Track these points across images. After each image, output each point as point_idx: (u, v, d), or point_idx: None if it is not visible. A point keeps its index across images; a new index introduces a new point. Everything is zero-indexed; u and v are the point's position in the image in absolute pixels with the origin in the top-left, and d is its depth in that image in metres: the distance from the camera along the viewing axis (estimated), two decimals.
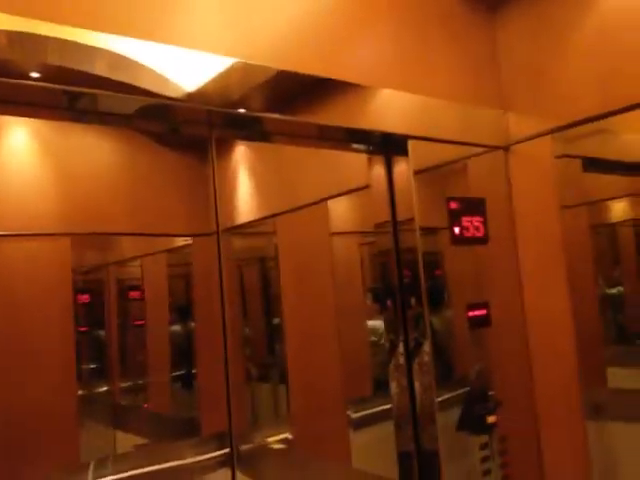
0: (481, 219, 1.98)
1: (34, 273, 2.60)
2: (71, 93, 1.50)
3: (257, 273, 3.18)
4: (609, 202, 2.22)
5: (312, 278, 2.64)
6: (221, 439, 2.61)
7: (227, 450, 2.40)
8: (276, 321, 2.87)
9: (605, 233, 2.25)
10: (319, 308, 2.60)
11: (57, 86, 1.42)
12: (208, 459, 2.51)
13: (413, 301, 2.01)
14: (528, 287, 2.12)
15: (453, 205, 1.93)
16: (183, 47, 1.56)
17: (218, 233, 2.35)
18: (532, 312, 2.11)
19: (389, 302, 2.14)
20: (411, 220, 2.00)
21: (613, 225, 2.25)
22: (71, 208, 2.63)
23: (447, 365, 2.17)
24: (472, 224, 1.96)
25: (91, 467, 2.40)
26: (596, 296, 2.13)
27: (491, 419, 1.93)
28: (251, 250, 3.09)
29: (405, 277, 2.05)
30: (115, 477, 2.42)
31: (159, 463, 2.49)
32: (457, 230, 1.95)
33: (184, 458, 2.56)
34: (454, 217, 1.94)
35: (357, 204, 2.54)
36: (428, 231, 2.04)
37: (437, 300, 2.08)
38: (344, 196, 2.47)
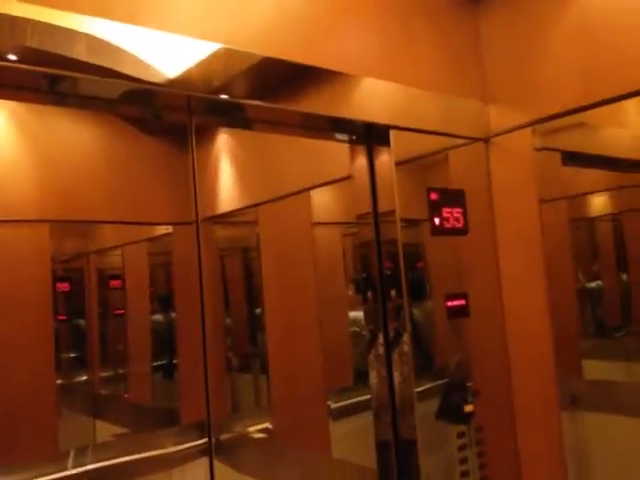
0: (461, 210, 2.00)
1: (12, 261, 2.57)
2: (50, 76, 1.48)
3: (239, 263, 3.18)
4: (588, 196, 2.25)
5: (294, 269, 2.64)
6: (201, 429, 2.62)
7: (206, 440, 2.41)
8: (258, 311, 2.87)
9: (584, 227, 2.28)
10: (301, 299, 2.61)
11: (37, 68, 1.40)
12: (188, 448, 2.51)
13: (393, 292, 2.02)
14: (506, 279, 2.14)
15: (433, 196, 1.95)
16: (165, 31, 1.54)
17: (197, 222, 2.34)
18: (510, 304, 2.13)
19: (370, 293, 2.15)
20: (392, 212, 2.00)
21: (592, 219, 2.28)
22: (49, 194, 2.60)
23: (427, 356, 2.19)
24: (452, 215, 1.97)
25: (71, 456, 2.39)
26: (574, 290, 2.16)
27: (468, 408, 1.95)
28: (233, 240, 3.08)
29: (386, 268, 2.06)
30: (95, 466, 2.42)
31: (139, 452, 2.49)
32: (437, 221, 1.96)
33: (164, 447, 2.56)
34: (434, 208, 1.95)
35: (339, 195, 2.54)
36: (409, 223, 2.05)
37: (417, 291, 2.09)
38: (326, 187, 2.47)
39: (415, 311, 2.06)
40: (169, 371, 2.89)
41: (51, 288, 2.64)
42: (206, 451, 2.38)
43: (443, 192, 1.97)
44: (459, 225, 1.98)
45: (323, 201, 2.59)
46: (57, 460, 2.39)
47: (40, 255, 2.61)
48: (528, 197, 2.09)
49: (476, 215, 2.09)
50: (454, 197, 2.00)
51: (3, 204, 2.50)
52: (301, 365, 2.52)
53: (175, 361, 2.87)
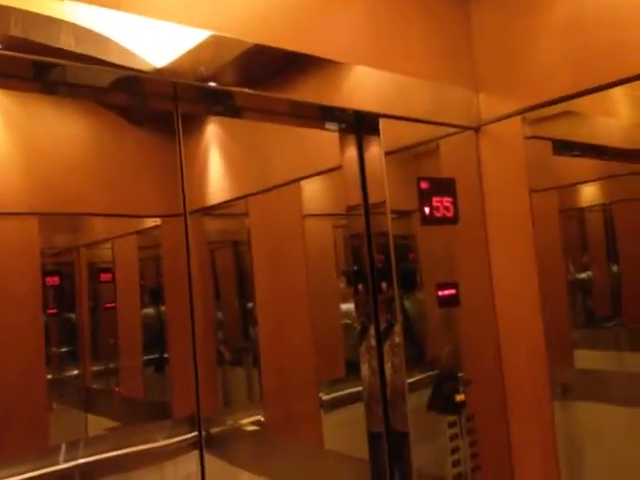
0: (451, 199, 1.99)
1: (0, 254, 2.55)
2: (36, 63, 1.46)
3: (229, 256, 3.16)
4: (578, 187, 2.25)
5: (285, 261, 2.63)
6: (192, 422, 2.61)
7: (197, 433, 2.40)
8: (249, 305, 2.86)
9: (574, 217, 2.28)
10: (292, 291, 2.60)
11: (23, 55, 1.38)
12: (179, 442, 2.50)
13: (384, 284, 2.02)
14: (497, 268, 2.14)
15: (423, 185, 1.94)
16: (152, 18, 1.53)
17: (185, 213, 2.32)
18: (501, 293, 2.13)
19: (360, 285, 2.15)
20: (383, 203, 2.00)
21: (582, 210, 2.28)
22: (37, 187, 2.58)
23: (418, 347, 2.19)
24: (442, 204, 1.97)
25: (62, 450, 2.38)
26: (565, 280, 2.16)
27: (460, 397, 1.95)
28: (223, 233, 3.07)
29: (376, 260, 2.05)
30: (86, 460, 2.41)
31: (130, 446, 2.48)
32: (427, 210, 1.95)
33: (155, 441, 2.55)
34: (424, 197, 1.95)
35: (330, 186, 2.54)
36: (400, 214, 2.05)
37: (408, 283, 2.09)
38: (317, 178, 2.46)
39: (406, 302, 2.05)
40: (160, 365, 2.88)
41: (40, 282, 2.63)
42: (197, 444, 2.37)
43: (433, 181, 1.96)
44: (449, 214, 1.98)
45: (313, 193, 2.58)
46: (48, 454, 2.38)
47: (29, 249, 2.59)
48: (519, 186, 2.09)
49: (466, 204, 2.08)
50: (444, 186, 1.99)
51: None
52: (292, 357, 2.51)
53: (166, 355, 2.86)
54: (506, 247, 2.13)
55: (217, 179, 2.69)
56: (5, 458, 2.30)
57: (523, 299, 2.09)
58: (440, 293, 1.96)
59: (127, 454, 2.50)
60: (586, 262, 2.24)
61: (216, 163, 2.65)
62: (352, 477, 2.15)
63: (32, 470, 2.28)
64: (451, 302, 1.98)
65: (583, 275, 2.21)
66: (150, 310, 2.96)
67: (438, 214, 1.96)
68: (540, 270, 2.06)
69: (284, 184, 2.44)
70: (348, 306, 2.46)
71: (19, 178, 2.55)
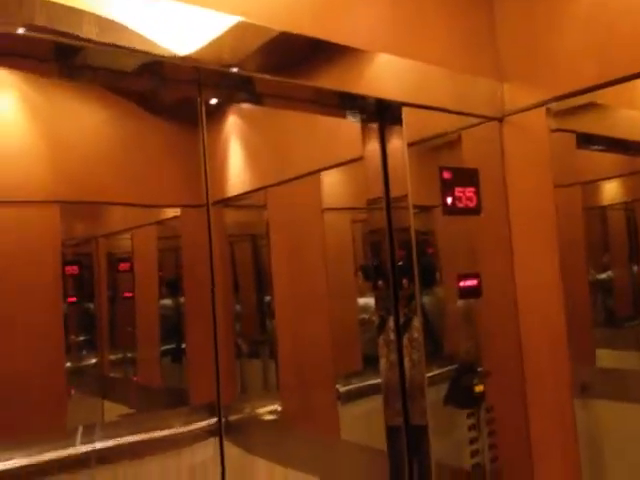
0: (474, 189, 1.97)
1: (22, 243, 2.57)
2: (61, 47, 1.47)
3: (249, 250, 3.16)
4: (600, 183, 2.22)
5: (303, 254, 2.62)
6: (210, 410, 2.62)
7: (215, 419, 2.41)
8: (267, 298, 2.85)
9: (596, 216, 2.25)
10: (310, 284, 2.59)
11: (47, 36, 1.39)
12: (196, 429, 2.51)
13: (405, 280, 2.01)
14: (519, 261, 2.11)
15: (446, 175, 1.92)
16: (179, 2, 1.53)
17: (208, 204, 2.33)
18: (523, 287, 2.10)
19: (380, 279, 2.14)
20: (405, 197, 1.98)
21: (604, 208, 2.25)
22: (59, 176, 2.60)
23: (437, 342, 2.17)
24: (465, 194, 1.95)
25: (79, 433, 2.40)
26: (586, 278, 2.14)
27: (479, 388, 1.93)
28: (243, 226, 3.07)
29: (397, 255, 2.04)
30: (103, 445, 2.43)
31: (148, 432, 2.50)
32: (450, 200, 1.94)
33: (172, 427, 2.56)
34: (447, 187, 1.93)
35: (350, 179, 2.52)
36: (420, 208, 2.03)
37: (429, 277, 2.07)
38: (336, 171, 2.45)
39: (425, 298, 2.04)
40: (177, 355, 2.89)
41: (61, 271, 2.65)
42: (215, 432, 2.38)
43: (456, 171, 1.95)
44: (472, 205, 1.96)
45: (333, 187, 2.57)
46: (66, 438, 2.40)
47: (51, 238, 2.62)
48: (543, 179, 2.06)
49: (489, 196, 2.06)
50: (467, 176, 1.97)
51: (13, 185, 2.50)
52: (310, 349, 2.50)
53: (183, 345, 2.87)
54: (529, 240, 2.11)
55: (237, 170, 2.69)
56: (24, 441, 2.33)
57: (546, 293, 2.06)
58: (462, 284, 1.94)
59: (145, 440, 2.52)
60: (607, 261, 2.21)
61: (236, 154, 2.65)
62: (368, 467, 2.14)
63: (49, 451, 2.32)
64: (473, 293, 1.96)
65: (604, 275, 2.19)
66: (168, 300, 2.98)
67: (460, 204, 1.94)
68: (562, 267, 2.04)
69: (304, 175, 2.43)
70: (366, 300, 2.45)
71: (42, 167, 2.57)
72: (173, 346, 2.92)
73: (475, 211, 1.99)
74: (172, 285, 2.98)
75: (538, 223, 2.06)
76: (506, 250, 2.09)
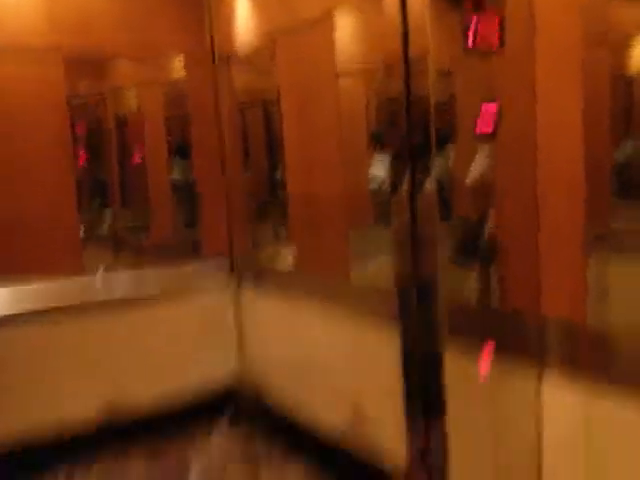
0: (497, 20, 1.84)
1: (29, 95, 2.54)
2: None
3: (259, 115, 3.09)
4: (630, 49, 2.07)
5: (316, 114, 2.53)
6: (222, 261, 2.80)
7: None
8: (277, 158, 2.81)
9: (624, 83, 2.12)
10: (322, 144, 2.52)
11: None
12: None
13: (420, 138, 1.93)
14: (541, 104, 1.99)
15: (467, 4, 1.80)
16: None
17: (213, 50, 2.23)
18: (543, 133, 1.99)
19: (395, 139, 2.08)
20: (425, 56, 1.86)
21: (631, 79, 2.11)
22: (57, 25, 2.54)
23: (448, 206, 2.14)
24: (487, 28, 1.83)
25: (100, 271, 2.58)
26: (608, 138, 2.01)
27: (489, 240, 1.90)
28: (252, 92, 2.98)
29: (414, 116, 1.95)
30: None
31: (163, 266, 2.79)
32: (471, 35, 1.82)
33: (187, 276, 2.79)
34: (468, 18, 1.81)
35: (366, 35, 2.39)
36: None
37: (444, 136, 2.01)
38: (351, 24, 2.32)
39: (439, 159, 1.98)
40: (190, 211, 2.95)
41: (69, 126, 2.64)
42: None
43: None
44: (494, 40, 1.84)
45: (346, 42, 2.44)
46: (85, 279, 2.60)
47: (55, 92, 2.58)
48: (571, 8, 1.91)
49: (514, 30, 1.93)
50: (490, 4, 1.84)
51: (11, 31, 2.44)
52: (322, 201, 2.49)
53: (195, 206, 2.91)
54: (555, 75, 1.96)
55: (243, 19, 2.57)
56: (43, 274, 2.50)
57: (565, 140, 1.96)
58: (483, 108, 1.85)
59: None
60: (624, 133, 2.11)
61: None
62: (376, 303, 2.18)
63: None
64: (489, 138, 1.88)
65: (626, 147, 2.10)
66: (179, 159, 2.99)
67: (483, 38, 1.83)
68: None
69: (316, 19, 2.30)
70: (377, 166, 2.43)
71: (40, 16, 2.52)
72: (186, 207, 2.98)
73: (499, 45, 1.86)
74: (181, 148, 2.97)
75: (564, 58, 1.92)
76: (529, 89, 1.98)
